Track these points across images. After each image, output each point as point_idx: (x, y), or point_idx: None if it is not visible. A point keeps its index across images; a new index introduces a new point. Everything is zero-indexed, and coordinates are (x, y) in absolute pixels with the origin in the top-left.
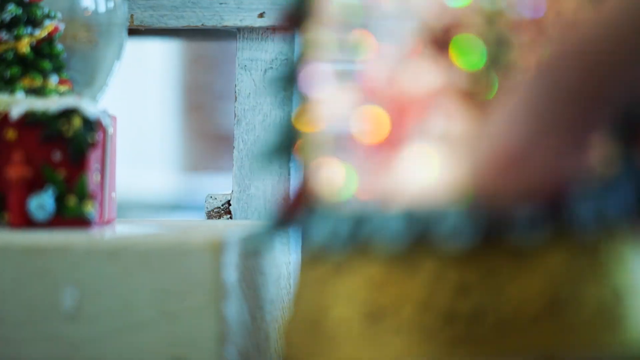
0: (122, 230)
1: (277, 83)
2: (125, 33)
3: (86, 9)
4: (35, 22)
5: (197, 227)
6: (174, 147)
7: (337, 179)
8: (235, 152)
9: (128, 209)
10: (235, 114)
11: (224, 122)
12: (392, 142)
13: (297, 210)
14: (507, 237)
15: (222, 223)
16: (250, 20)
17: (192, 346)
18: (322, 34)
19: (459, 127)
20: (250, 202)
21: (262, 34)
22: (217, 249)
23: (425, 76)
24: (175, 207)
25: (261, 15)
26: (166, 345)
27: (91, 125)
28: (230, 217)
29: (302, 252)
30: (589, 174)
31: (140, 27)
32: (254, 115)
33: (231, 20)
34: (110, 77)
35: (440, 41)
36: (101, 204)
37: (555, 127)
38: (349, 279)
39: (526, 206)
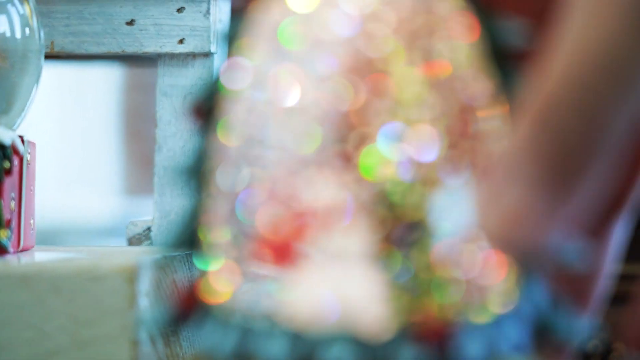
0: (37, 257)
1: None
2: (42, 59)
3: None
4: None
5: (114, 253)
6: (115, 171)
7: (231, 286)
8: (155, 178)
9: (66, 235)
10: (156, 140)
11: None
12: (287, 257)
13: (189, 310)
14: None
15: (141, 249)
16: (171, 46)
17: None
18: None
19: (358, 246)
20: (170, 228)
21: (182, 60)
22: (131, 275)
23: (327, 190)
24: (115, 231)
25: (181, 42)
26: None
27: (5, 152)
28: (151, 244)
29: (187, 352)
30: (483, 310)
31: (60, 53)
32: (175, 142)
33: (151, 47)
34: (29, 103)
35: (346, 155)
36: (17, 232)
37: None
38: None
39: (412, 345)
